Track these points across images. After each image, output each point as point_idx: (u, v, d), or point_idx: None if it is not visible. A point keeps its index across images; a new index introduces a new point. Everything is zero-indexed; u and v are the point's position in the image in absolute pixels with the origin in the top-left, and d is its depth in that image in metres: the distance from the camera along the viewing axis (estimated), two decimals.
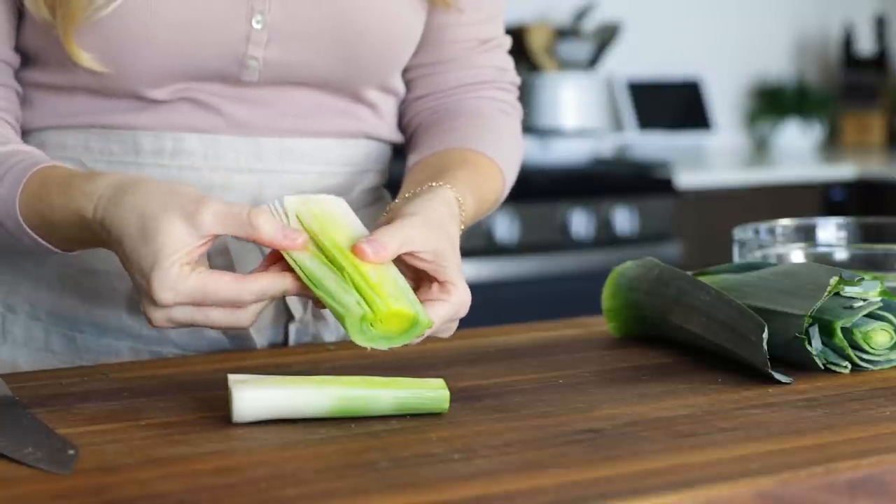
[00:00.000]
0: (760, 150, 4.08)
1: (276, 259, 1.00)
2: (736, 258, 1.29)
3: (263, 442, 0.89)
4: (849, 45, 4.14)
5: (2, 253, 1.22)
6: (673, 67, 4.00)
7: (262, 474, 0.82)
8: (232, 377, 0.95)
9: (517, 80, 1.36)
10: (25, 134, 1.21)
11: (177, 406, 0.98)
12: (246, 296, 0.97)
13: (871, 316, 1.09)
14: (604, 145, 3.80)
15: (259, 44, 1.17)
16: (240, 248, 1.17)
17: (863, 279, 1.09)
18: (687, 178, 3.36)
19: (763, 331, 1.04)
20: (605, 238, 3.21)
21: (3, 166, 1.10)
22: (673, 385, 1.05)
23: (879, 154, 3.94)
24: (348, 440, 0.90)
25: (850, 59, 4.15)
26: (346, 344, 1.20)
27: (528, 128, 3.38)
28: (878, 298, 1.09)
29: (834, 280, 1.08)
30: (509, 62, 1.35)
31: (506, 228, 3.08)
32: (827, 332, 1.08)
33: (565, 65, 3.63)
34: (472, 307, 1.03)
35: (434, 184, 1.11)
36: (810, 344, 1.07)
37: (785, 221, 1.35)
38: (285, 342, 1.26)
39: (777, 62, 4.22)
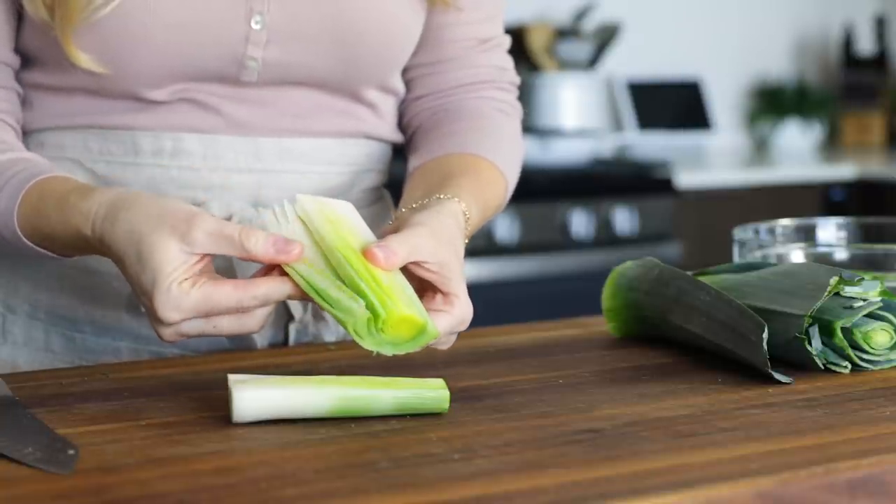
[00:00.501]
0: (760, 150, 4.07)
1: None
2: (736, 258, 1.29)
3: (263, 442, 0.89)
4: (849, 45, 4.14)
5: (2, 254, 1.22)
6: (673, 67, 4.00)
7: (262, 474, 0.82)
8: (232, 377, 0.95)
9: (517, 79, 1.36)
10: (24, 135, 1.21)
11: (177, 406, 0.98)
12: (249, 301, 0.97)
13: (871, 316, 1.09)
14: (604, 145, 3.80)
15: (258, 44, 1.17)
16: None
17: (863, 279, 1.09)
18: (687, 178, 3.36)
19: (763, 331, 1.04)
20: (605, 238, 3.21)
21: (1, 178, 1.11)
22: (673, 385, 1.05)
23: (879, 154, 3.94)
24: (348, 440, 0.90)
25: (850, 59, 4.15)
26: (346, 344, 1.20)
27: (528, 128, 3.38)
28: (878, 298, 1.09)
29: (834, 280, 1.08)
30: (509, 62, 1.35)
31: (506, 228, 3.08)
32: (827, 332, 1.08)
33: (565, 65, 3.63)
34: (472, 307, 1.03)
35: (442, 196, 1.11)
36: (810, 344, 1.07)
37: (785, 221, 1.35)
38: (285, 342, 1.26)
39: (777, 62, 4.22)
